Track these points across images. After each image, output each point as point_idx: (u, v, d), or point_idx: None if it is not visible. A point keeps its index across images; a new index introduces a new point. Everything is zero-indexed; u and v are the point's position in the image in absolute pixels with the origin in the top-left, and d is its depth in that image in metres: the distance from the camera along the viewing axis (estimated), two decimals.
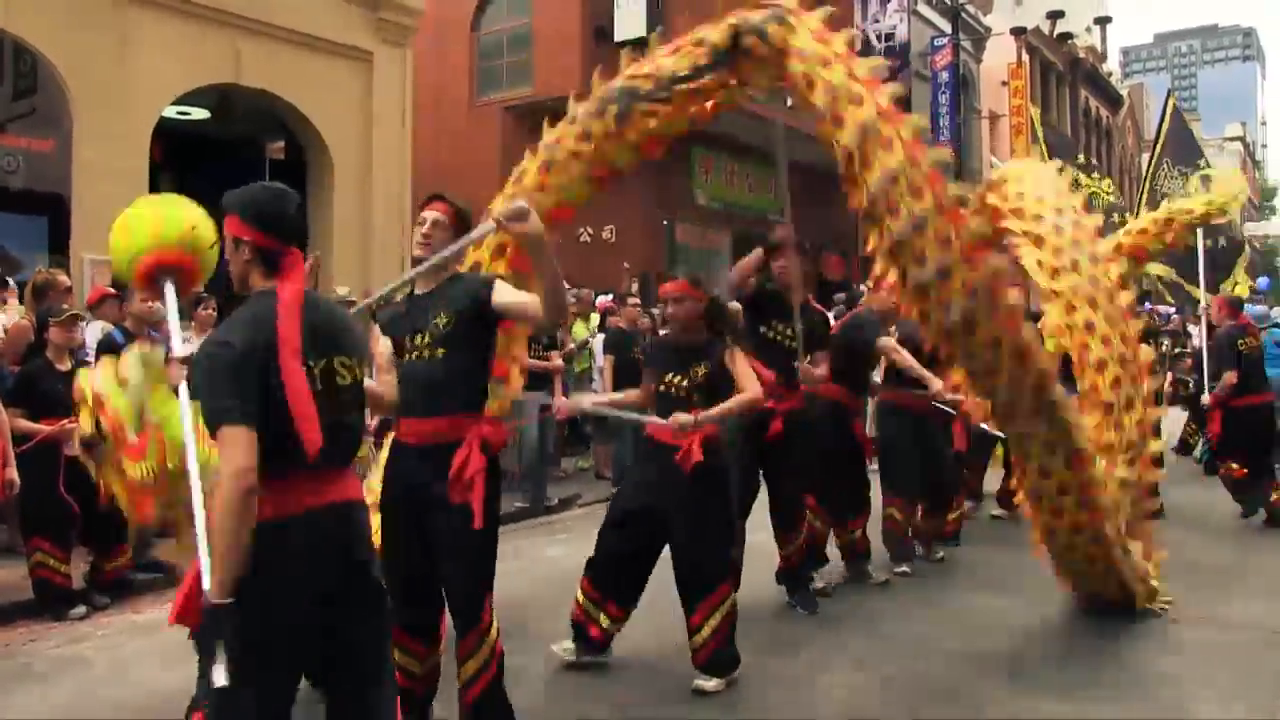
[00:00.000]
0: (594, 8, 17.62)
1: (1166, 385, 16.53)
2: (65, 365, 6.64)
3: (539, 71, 18.24)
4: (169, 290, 3.40)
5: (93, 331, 7.60)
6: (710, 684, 4.96)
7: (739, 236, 19.95)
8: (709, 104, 5.49)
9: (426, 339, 3.87)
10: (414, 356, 3.91)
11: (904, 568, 7.30)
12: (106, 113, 10.55)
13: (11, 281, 8.29)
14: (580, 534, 8.68)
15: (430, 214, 4.02)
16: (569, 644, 5.32)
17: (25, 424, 6.39)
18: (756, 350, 5.97)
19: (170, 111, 11.75)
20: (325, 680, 2.95)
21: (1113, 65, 51.41)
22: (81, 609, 6.44)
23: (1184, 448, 14.12)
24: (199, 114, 12.71)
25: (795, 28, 5.02)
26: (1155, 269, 16.57)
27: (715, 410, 5.04)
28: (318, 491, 2.82)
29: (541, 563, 7.76)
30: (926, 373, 7.11)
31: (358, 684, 2.92)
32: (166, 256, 3.39)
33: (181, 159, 12.72)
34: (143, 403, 4.23)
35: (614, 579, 5.27)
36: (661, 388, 5.27)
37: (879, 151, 4.59)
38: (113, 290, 8.14)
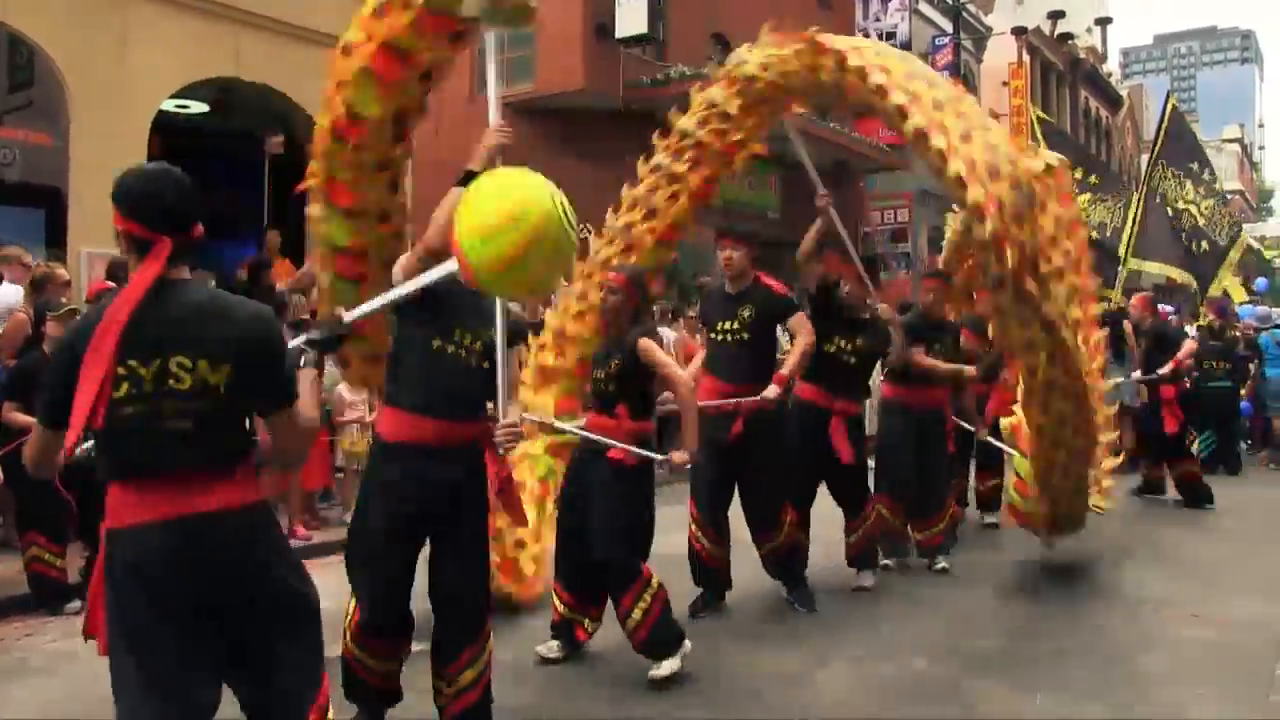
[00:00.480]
0: (596, 5, 17.59)
1: None
2: None
3: (540, 68, 18.20)
4: None
5: None
6: (663, 669, 4.96)
7: (761, 232, 19.90)
8: None
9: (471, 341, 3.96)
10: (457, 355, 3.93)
11: (888, 562, 7.30)
12: (105, 106, 10.52)
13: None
14: None
15: None
16: (553, 643, 5.34)
17: (21, 418, 6.35)
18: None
19: (169, 105, 11.71)
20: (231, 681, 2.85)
21: (1113, 66, 51.44)
22: (77, 603, 6.40)
23: None
24: (198, 108, 12.66)
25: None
26: (1149, 266, 16.60)
27: (689, 434, 5.15)
28: (151, 504, 2.65)
29: None
30: (957, 367, 7.42)
31: (256, 688, 2.82)
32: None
33: (180, 153, 12.63)
34: None
35: (583, 584, 5.28)
36: (591, 384, 5.37)
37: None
38: (111, 284, 8.13)
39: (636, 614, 4.98)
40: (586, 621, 5.35)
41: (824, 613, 6.27)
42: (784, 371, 6.03)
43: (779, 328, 6.39)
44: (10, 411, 6.42)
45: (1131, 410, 12.36)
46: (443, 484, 3.86)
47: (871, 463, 7.31)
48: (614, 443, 5.06)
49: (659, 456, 5.17)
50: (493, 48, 4.19)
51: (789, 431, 6.36)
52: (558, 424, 5.68)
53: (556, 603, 5.36)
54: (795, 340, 6.13)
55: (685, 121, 6.78)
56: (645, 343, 5.07)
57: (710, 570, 6.25)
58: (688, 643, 5.11)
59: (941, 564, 7.41)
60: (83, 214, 10.36)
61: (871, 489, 7.12)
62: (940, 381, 7.49)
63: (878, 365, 7.41)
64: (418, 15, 4.52)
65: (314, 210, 5.19)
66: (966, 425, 8.14)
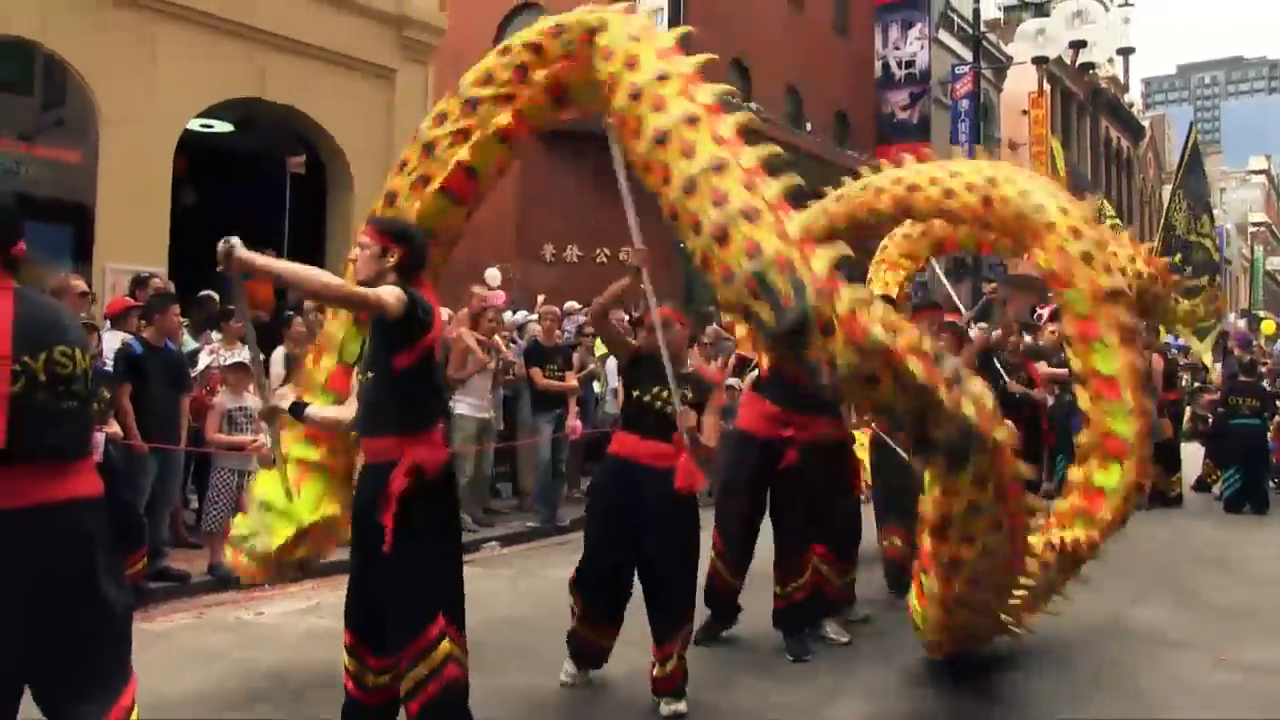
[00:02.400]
0: None
1: (1185, 421, 16.52)
2: None
3: None
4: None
5: (111, 340, 7.70)
6: (680, 706, 4.98)
7: None
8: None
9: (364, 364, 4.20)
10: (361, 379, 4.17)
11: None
12: (132, 125, 10.68)
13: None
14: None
15: (360, 237, 4.13)
16: (570, 667, 5.36)
17: None
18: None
19: (195, 124, 11.88)
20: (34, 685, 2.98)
21: (1135, 96, 51.39)
22: None
23: (1202, 485, 14.02)
24: (223, 127, 12.83)
25: (607, 24, 4.58)
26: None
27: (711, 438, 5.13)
28: (21, 489, 2.87)
29: (549, 583, 7.78)
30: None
31: (58, 695, 2.95)
32: None
33: (204, 171, 12.84)
34: None
35: (604, 600, 5.25)
36: (638, 405, 5.27)
37: (680, 161, 3.96)
38: (133, 301, 8.25)
39: (675, 660, 4.98)
40: (602, 638, 5.31)
41: (830, 647, 6.23)
42: None
43: None
44: None
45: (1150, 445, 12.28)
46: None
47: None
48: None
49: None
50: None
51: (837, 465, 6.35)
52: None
53: (573, 618, 5.33)
54: None
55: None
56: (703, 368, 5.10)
57: (725, 596, 6.23)
58: None
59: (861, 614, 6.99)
60: (108, 230, 10.51)
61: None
62: None
63: None
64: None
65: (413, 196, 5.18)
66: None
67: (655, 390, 5.09)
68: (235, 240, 3.39)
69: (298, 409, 4.38)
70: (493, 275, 12.30)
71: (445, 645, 3.87)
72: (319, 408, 4.54)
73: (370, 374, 4.01)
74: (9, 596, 2.81)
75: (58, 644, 2.91)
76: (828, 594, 6.40)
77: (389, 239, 4.03)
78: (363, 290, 3.79)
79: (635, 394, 5.23)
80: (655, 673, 5.02)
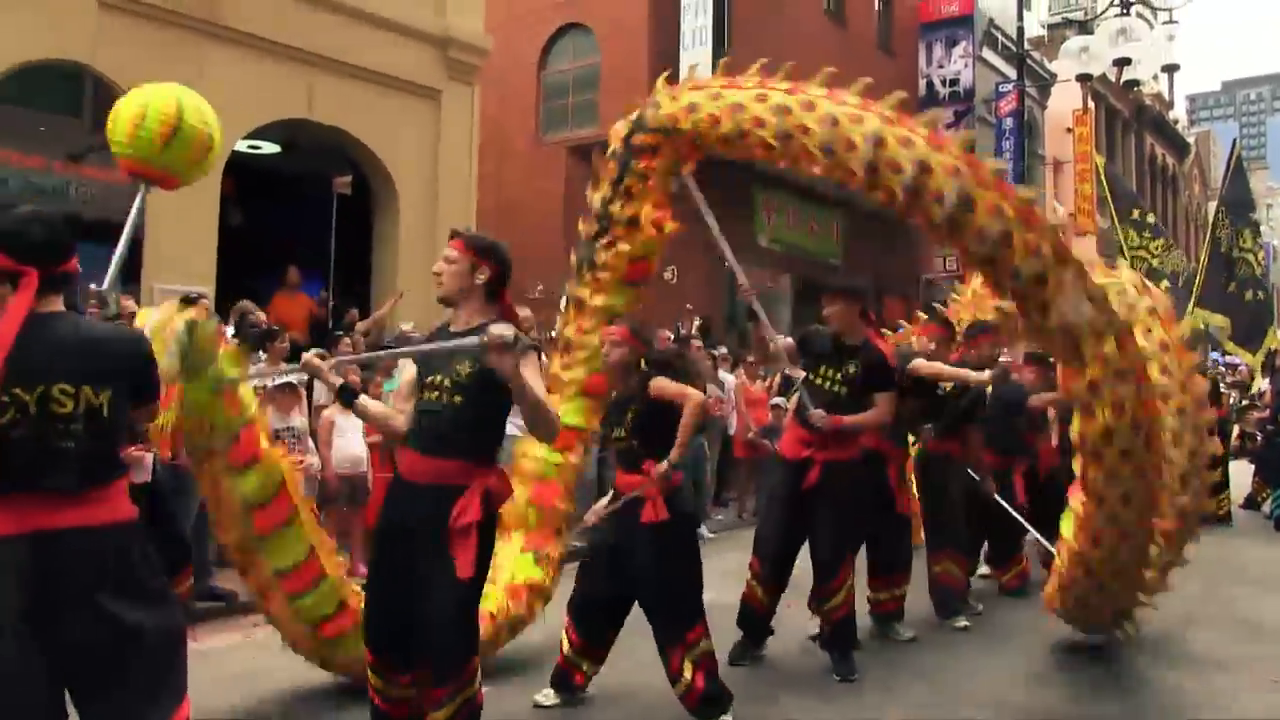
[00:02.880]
0: (661, 49, 17.77)
1: (1234, 438, 16.30)
2: None
3: (604, 112, 18.39)
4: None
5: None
6: None
7: (800, 279, 19.94)
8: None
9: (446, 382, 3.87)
10: (431, 397, 3.89)
11: (962, 622, 7.14)
12: None
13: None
14: None
15: (447, 251, 4.00)
16: (550, 691, 5.26)
17: None
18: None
19: (242, 145, 11.98)
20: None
21: (1179, 113, 50.92)
22: None
23: (1251, 503, 13.83)
24: (270, 148, 12.94)
25: (661, 100, 5.68)
26: (1215, 319, 16.32)
27: (675, 453, 4.93)
28: (17, 517, 2.82)
29: None
30: (964, 371, 7.04)
31: (99, 715, 2.94)
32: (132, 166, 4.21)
33: (251, 192, 12.95)
34: (179, 362, 4.42)
35: (596, 625, 5.20)
36: (613, 445, 5.28)
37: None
38: None
39: (688, 674, 4.88)
40: (587, 665, 5.24)
41: (874, 664, 6.15)
42: (849, 422, 5.87)
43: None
44: None
45: None
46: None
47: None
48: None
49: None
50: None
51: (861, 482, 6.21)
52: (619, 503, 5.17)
53: (565, 643, 5.26)
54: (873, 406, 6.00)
55: (598, 201, 6.20)
56: (657, 381, 4.99)
57: (759, 617, 6.19)
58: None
59: (964, 619, 7.21)
60: (156, 251, 10.61)
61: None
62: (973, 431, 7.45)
63: None
64: None
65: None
66: (974, 476, 7.76)
67: (614, 427, 5.19)
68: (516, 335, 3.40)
69: (348, 394, 4.20)
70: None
71: (479, 676, 3.87)
72: (371, 401, 4.43)
73: (458, 397, 3.82)
74: (12, 619, 2.78)
75: (78, 666, 2.88)
76: (877, 609, 6.67)
77: (479, 255, 3.94)
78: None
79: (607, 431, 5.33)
80: (676, 691, 4.95)
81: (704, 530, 11.16)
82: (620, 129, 5.98)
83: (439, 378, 3.86)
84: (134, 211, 4.30)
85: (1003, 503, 7.68)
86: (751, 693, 5.20)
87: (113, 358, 3.00)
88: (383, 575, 3.97)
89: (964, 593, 7.38)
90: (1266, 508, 13.27)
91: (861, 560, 6.63)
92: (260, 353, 9.04)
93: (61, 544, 2.84)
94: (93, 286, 5.29)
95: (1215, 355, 19.72)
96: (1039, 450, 8.40)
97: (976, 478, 7.64)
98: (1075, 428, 5.21)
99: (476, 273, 3.91)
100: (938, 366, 6.99)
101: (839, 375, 5.99)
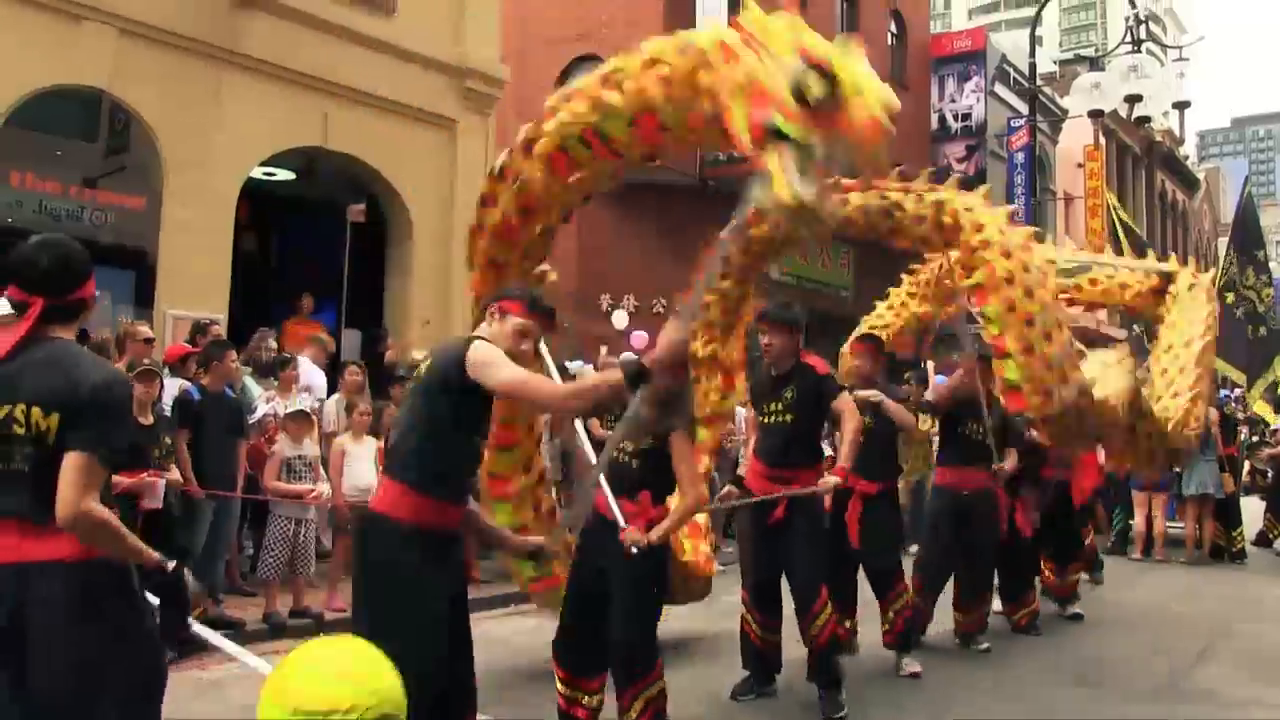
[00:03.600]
0: None
1: (1244, 475, 16.25)
2: (146, 419, 6.75)
3: None
4: None
5: (172, 387, 7.73)
6: None
7: (813, 312, 19.89)
8: None
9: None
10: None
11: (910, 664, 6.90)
12: (197, 172, 10.82)
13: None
14: None
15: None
16: None
17: None
18: None
19: (257, 172, 12.02)
20: None
21: (1189, 149, 50.93)
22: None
23: (1263, 540, 13.78)
24: (284, 175, 12.98)
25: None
26: (1222, 366, 16.27)
27: (665, 524, 4.84)
28: None
29: None
30: (905, 413, 7.03)
31: None
32: None
33: (266, 219, 12.99)
34: None
35: (580, 653, 5.10)
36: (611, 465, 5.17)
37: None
38: (191, 347, 8.30)
39: (635, 710, 4.80)
40: (584, 696, 5.12)
41: (876, 697, 6.18)
42: (843, 463, 5.85)
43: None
44: None
45: (1211, 500, 12.15)
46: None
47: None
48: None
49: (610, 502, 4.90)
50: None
51: (821, 512, 6.26)
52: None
53: (557, 681, 5.16)
54: (843, 424, 5.96)
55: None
56: (680, 438, 4.88)
57: (760, 653, 6.15)
58: None
59: (984, 645, 7.42)
60: (169, 276, 10.63)
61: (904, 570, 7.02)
62: (984, 462, 7.39)
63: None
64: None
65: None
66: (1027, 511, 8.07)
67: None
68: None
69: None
70: (619, 317, 12.13)
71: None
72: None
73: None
74: None
75: (40, 703, 2.79)
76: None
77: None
78: None
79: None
80: None
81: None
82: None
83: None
84: None
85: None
86: None
87: (71, 385, 2.86)
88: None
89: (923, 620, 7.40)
90: (1278, 545, 13.25)
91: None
92: (272, 379, 9.05)
93: (24, 578, 2.79)
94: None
95: (1224, 391, 19.62)
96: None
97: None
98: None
99: None
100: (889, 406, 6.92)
101: (780, 405, 6.02)
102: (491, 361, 3.59)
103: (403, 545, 3.69)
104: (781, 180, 3.28)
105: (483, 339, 3.77)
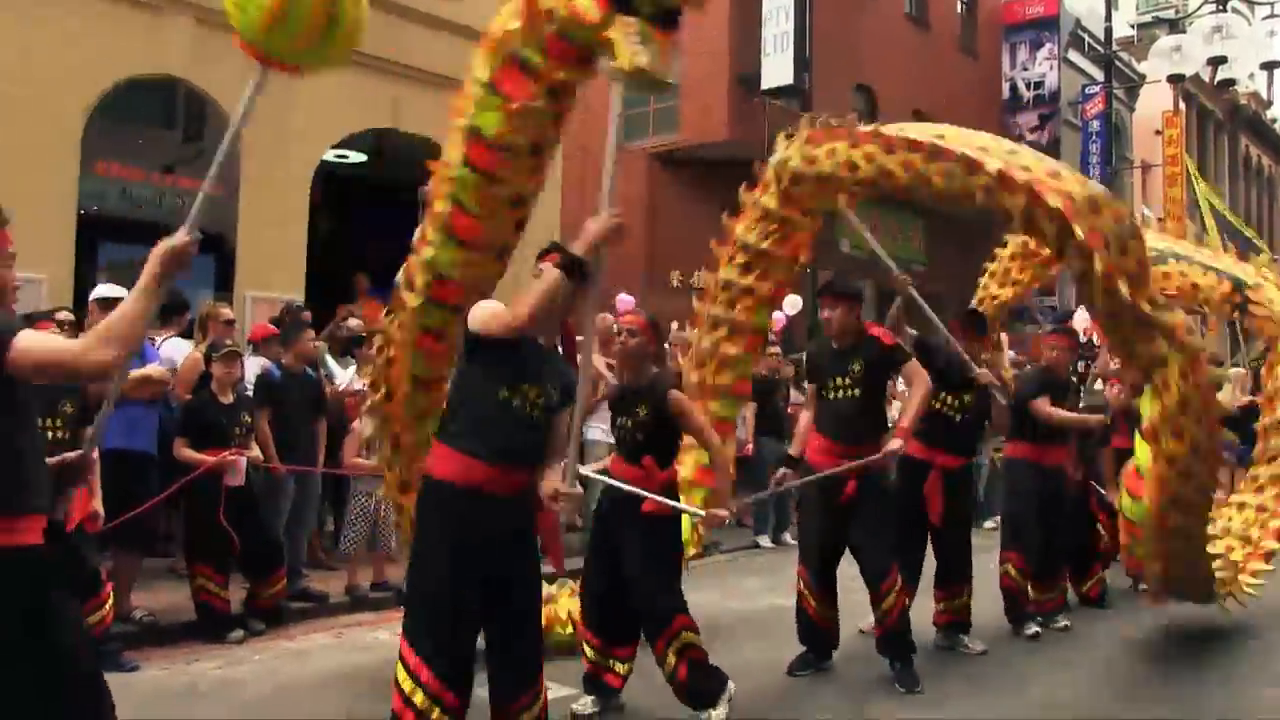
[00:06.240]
0: (741, 56, 17.78)
1: None
2: (228, 398, 6.94)
3: (685, 119, 18.42)
4: None
5: (252, 366, 7.91)
6: (711, 717, 4.93)
7: (882, 285, 19.75)
8: None
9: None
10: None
11: (1032, 628, 7.06)
12: (271, 157, 11.02)
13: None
14: (718, 581, 8.69)
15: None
16: (587, 699, 5.26)
17: (190, 454, 6.67)
18: None
19: (329, 155, 12.21)
20: None
21: (1277, 111, 49.28)
22: (239, 633, 6.70)
23: None
24: (357, 157, 13.15)
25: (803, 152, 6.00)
26: None
27: (722, 494, 5.27)
28: None
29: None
30: (1081, 417, 7.29)
31: None
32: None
33: (339, 201, 13.18)
34: None
35: (611, 624, 5.23)
36: (616, 432, 5.36)
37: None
38: (274, 328, 8.49)
39: (671, 658, 4.96)
40: (615, 663, 5.24)
41: (968, 673, 6.16)
42: (904, 423, 5.86)
43: (891, 380, 6.29)
44: (181, 448, 6.73)
45: None
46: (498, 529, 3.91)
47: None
48: (650, 494, 4.99)
49: (699, 512, 5.22)
50: (614, 143, 4.17)
51: (893, 487, 6.31)
52: (608, 480, 5.28)
53: (586, 648, 5.29)
54: (911, 390, 5.98)
55: (742, 232, 6.55)
56: (676, 395, 5.06)
57: (818, 630, 6.14)
58: (732, 685, 5.03)
59: (1063, 622, 7.33)
60: (248, 260, 10.87)
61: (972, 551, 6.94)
62: (1065, 439, 7.33)
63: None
64: (546, 37, 4.32)
65: (430, 235, 5.05)
66: (1099, 489, 8.00)
67: (622, 416, 5.27)
68: None
69: None
70: (625, 300, 12.32)
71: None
72: None
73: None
74: None
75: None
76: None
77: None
78: None
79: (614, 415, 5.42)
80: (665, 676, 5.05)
81: (762, 540, 11.13)
82: (770, 177, 6.32)
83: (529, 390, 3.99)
84: (244, 99, 3.57)
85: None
86: (809, 700, 5.18)
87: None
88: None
89: (1021, 597, 7.25)
90: None
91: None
92: (349, 356, 9.22)
93: None
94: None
95: None
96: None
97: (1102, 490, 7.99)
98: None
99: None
100: (1058, 412, 7.06)
101: (847, 380, 5.95)
102: (484, 309, 3.89)
103: (424, 495, 3.98)
104: (625, 50, 3.63)
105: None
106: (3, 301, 3.15)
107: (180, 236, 2.97)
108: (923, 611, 6.55)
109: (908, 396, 6.07)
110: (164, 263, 2.88)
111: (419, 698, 3.77)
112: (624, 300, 11.87)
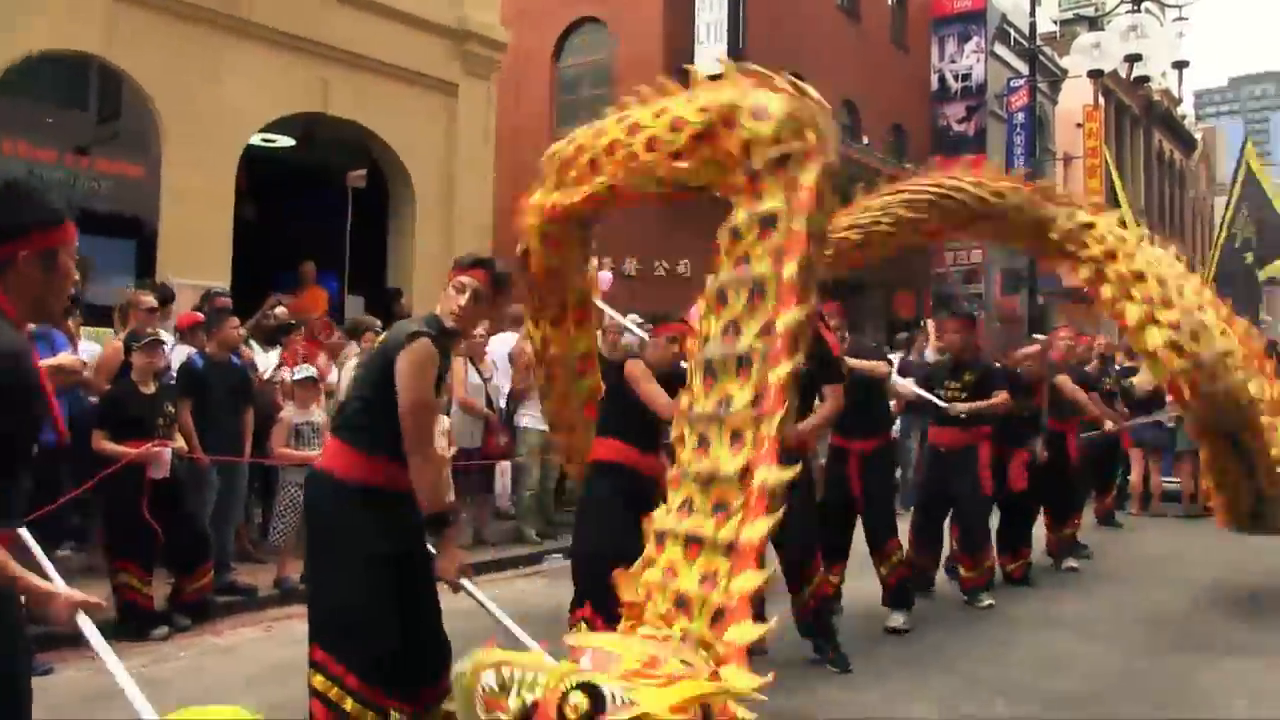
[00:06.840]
0: (675, 44, 17.68)
1: None
2: (149, 389, 6.70)
3: (619, 106, 18.28)
4: None
5: (179, 355, 7.67)
6: None
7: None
8: None
9: None
10: None
11: (986, 601, 7.43)
12: (195, 139, 10.72)
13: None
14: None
15: (468, 280, 3.93)
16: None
17: (110, 446, 6.42)
18: None
19: (256, 139, 11.91)
20: None
21: (1187, 108, 50.52)
22: (164, 630, 6.47)
23: None
24: (284, 142, 12.86)
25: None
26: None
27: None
28: None
29: None
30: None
31: None
32: None
33: (265, 186, 12.87)
34: None
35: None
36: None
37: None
38: (200, 316, 8.24)
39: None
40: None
41: (900, 652, 6.23)
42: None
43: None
44: (101, 440, 6.48)
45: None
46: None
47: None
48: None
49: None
50: None
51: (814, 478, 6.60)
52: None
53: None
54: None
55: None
56: (634, 371, 5.12)
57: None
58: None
59: (987, 601, 7.46)
60: (171, 244, 10.54)
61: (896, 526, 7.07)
62: (975, 422, 7.45)
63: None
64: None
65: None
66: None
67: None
68: None
69: None
70: (605, 278, 12.10)
71: None
72: None
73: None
74: None
75: None
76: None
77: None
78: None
79: None
80: None
81: None
82: None
83: None
84: None
85: None
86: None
87: None
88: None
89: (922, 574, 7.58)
90: None
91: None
92: (276, 346, 9.00)
93: None
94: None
95: None
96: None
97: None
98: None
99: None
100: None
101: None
102: (411, 373, 3.75)
103: (335, 500, 3.82)
104: None
105: (427, 334, 3.79)
106: None
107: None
108: (850, 590, 6.90)
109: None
110: None
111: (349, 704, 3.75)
112: (604, 277, 11.70)
